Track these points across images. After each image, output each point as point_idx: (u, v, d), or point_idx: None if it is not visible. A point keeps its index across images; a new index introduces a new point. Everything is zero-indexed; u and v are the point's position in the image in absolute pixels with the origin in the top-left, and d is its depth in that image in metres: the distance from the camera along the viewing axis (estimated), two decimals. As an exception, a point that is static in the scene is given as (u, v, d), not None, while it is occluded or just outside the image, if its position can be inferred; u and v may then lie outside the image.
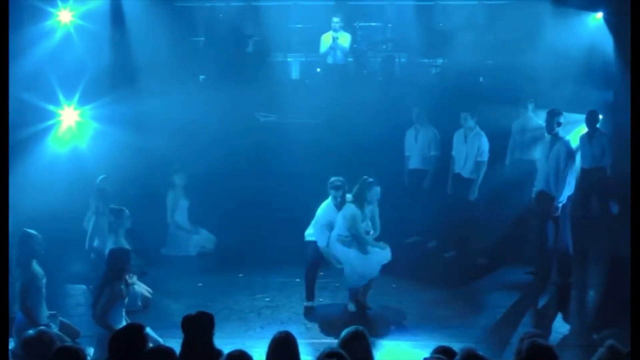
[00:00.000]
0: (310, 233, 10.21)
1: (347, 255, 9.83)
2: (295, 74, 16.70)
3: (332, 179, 10.10)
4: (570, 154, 10.56)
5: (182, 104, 13.33)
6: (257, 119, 14.79)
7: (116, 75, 13.48)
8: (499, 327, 9.57)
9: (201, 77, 15.60)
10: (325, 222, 10.01)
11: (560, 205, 10.53)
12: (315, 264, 10.17)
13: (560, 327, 9.53)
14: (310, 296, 10.17)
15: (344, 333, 5.96)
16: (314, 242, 10.10)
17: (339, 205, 9.98)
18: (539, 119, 12.50)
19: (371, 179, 9.83)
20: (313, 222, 10.18)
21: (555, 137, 10.63)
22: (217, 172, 13.03)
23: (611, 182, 12.39)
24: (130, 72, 13.66)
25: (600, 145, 12.51)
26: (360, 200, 9.78)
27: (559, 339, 9.10)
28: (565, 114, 10.84)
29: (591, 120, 12.48)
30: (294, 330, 6.48)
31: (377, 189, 9.82)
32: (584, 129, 12.65)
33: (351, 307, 9.94)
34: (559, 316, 9.96)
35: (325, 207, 10.10)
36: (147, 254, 11.58)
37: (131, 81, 13.50)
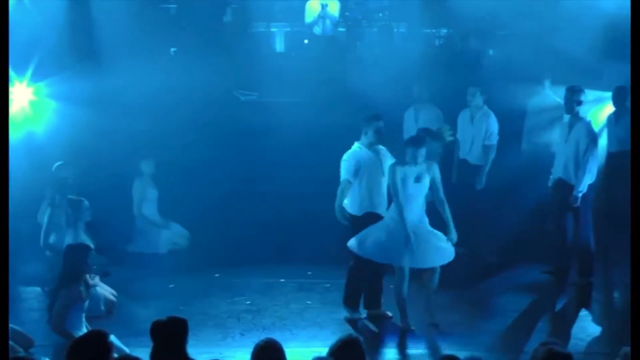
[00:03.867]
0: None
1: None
2: (279, 46, 16.69)
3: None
4: (591, 137, 10.58)
5: (150, 81, 13.26)
6: (237, 98, 14.77)
7: (76, 46, 13.40)
8: (512, 333, 9.60)
9: (172, 49, 15.56)
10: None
11: (580, 195, 10.55)
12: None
13: (579, 333, 9.57)
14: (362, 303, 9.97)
15: (335, 340, 5.96)
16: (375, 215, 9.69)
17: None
18: (558, 97, 12.52)
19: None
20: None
21: (575, 118, 10.66)
22: (191, 158, 13.01)
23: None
24: (91, 43, 13.59)
25: (627, 126, 12.52)
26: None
27: (580, 346, 9.13)
28: (587, 91, 10.86)
29: (618, 98, 12.48)
30: (277, 336, 6.47)
31: None
32: (609, 108, 12.68)
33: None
34: (579, 320, 10.00)
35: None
36: (111, 252, 11.56)
37: (93, 53, 13.44)
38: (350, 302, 9.87)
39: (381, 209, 9.68)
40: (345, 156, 9.74)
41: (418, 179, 9.29)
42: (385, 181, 9.59)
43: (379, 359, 8.85)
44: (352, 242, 9.46)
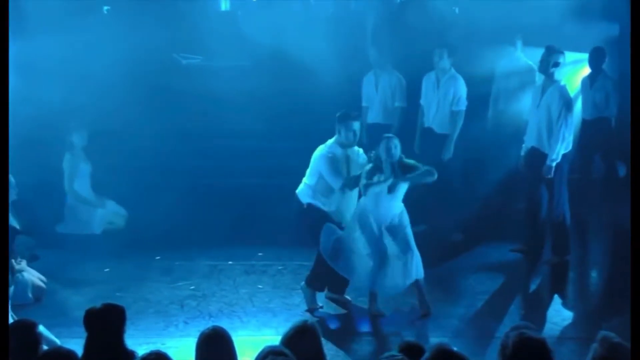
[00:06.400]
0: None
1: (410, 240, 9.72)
2: (224, 4, 16.58)
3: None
4: (565, 101, 10.59)
5: (81, 43, 13.14)
6: (178, 61, 14.67)
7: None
8: (480, 317, 9.67)
9: (105, 8, 15.39)
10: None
11: (553, 165, 10.60)
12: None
13: (555, 317, 9.65)
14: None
15: (289, 327, 5.96)
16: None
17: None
18: (529, 59, 12.57)
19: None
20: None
21: (549, 81, 10.68)
22: (127, 129, 12.91)
23: (617, 137, 12.53)
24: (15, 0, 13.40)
25: (604, 90, 12.61)
26: None
27: (555, 330, 9.22)
28: (566, 53, 10.89)
29: (596, 60, 12.56)
30: (225, 324, 6.48)
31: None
32: (585, 71, 12.75)
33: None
34: (554, 303, 10.10)
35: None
36: (40, 233, 11.44)
37: (15, 14, 13.22)
38: (314, 284, 9.89)
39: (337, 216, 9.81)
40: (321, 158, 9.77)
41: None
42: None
43: (338, 347, 8.88)
44: (325, 250, 9.55)
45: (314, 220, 9.73)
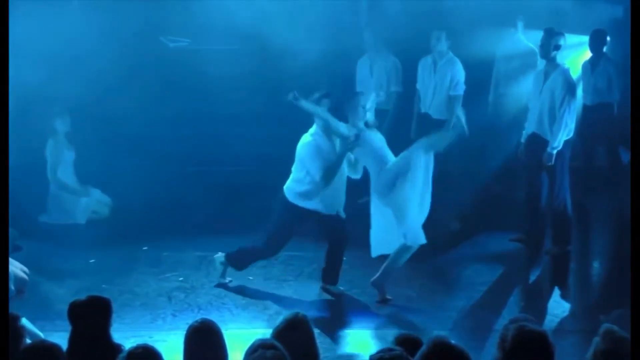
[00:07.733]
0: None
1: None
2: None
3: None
4: (569, 86, 10.60)
5: (61, 24, 13.07)
6: (165, 45, 14.62)
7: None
8: (479, 309, 9.71)
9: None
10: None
11: (554, 152, 10.62)
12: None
13: (555, 309, 9.69)
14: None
15: (280, 320, 5.98)
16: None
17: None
18: (531, 41, 12.57)
19: None
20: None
21: (552, 65, 10.70)
22: (112, 114, 12.87)
23: (620, 123, 12.55)
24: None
25: (606, 75, 12.62)
26: None
27: (555, 322, 9.26)
28: (567, 35, 10.90)
29: (597, 43, 12.56)
30: (215, 317, 6.51)
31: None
32: (586, 55, 12.76)
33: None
34: (555, 294, 10.14)
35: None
36: (21, 223, 11.44)
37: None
38: (233, 260, 10.21)
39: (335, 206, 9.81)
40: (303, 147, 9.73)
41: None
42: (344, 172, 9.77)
43: (331, 340, 8.92)
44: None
45: (291, 217, 9.81)
